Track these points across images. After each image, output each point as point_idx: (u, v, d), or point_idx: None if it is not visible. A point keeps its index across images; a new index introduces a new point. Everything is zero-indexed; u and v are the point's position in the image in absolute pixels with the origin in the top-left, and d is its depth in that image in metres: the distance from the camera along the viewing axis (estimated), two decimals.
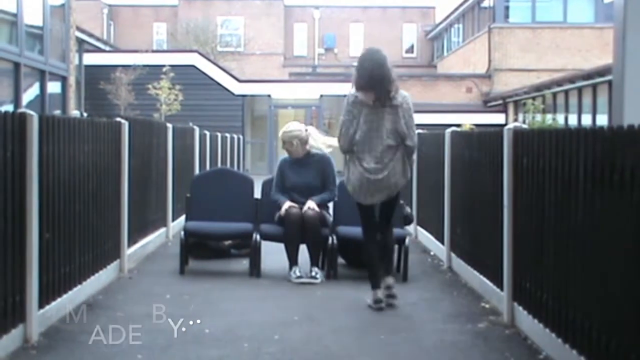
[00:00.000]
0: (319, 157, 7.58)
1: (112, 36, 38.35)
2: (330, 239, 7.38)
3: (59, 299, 5.53)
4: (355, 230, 7.38)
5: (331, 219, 7.51)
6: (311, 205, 7.24)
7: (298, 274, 7.15)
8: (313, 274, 7.16)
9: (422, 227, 9.79)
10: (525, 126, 5.98)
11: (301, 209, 7.23)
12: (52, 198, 5.35)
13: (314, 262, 7.27)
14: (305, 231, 7.20)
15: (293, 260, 7.27)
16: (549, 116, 18.42)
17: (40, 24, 14.55)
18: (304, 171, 7.49)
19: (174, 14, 38.43)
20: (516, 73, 27.42)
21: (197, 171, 12.06)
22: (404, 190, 6.95)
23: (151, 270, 7.68)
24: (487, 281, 6.43)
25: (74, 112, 15.57)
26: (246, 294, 6.67)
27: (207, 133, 14.24)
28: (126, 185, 7.45)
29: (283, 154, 7.86)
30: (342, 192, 7.53)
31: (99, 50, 26.72)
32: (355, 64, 6.26)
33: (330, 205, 7.64)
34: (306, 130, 7.62)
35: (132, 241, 7.80)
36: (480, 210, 6.82)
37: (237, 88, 26.72)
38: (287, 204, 7.26)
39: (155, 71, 23.51)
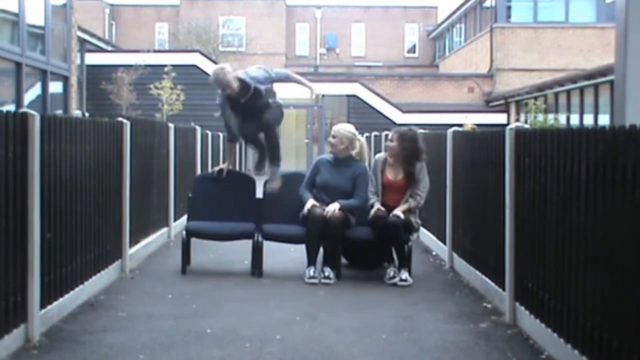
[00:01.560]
0: (358, 164, 7.64)
1: (113, 36, 38.37)
2: None
3: (60, 299, 5.54)
4: (358, 231, 7.41)
5: (354, 220, 7.48)
6: (335, 207, 7.22)
7: (311, 274, 7.16)
8: (326, 274, 7.15)
9: (424, 227, 9.78)
10: (527, 126, 5.97)
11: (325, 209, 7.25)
12: (53, 198, 5.36)
13: (328, 263, 7.27)
14: (326, 232, 7.20)
15: (311, 260, 7.27)
16: (550, 116, 18.37)
17: (42, 23, 14.56)
18: (339, 173, 7.51)
19: (176, 13, 38.44)
20: (518, 73, 27.41)
21: (199, 171, 12.07)
22: None
23: (153, 270, 7.68)
24: (489, 281, 6.43)
25: (76, 112, 15.58)
26: (248, 293, 6.68)
27: (209, 133, 14.24)
28: (128, 185, 7.46)
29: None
30: None
31: (101, 50, 26.71)
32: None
33: None
34: (359, 140, 7.69)
35: (134, 241, 7.81)
36: (482, 210, 6.82)
37: None
38: (310, 203, 7.30)
39: (157, 71, 23.49)
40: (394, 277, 7.15)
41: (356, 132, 7.71)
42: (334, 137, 7.59)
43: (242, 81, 7.39)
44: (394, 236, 7.19)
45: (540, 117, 17.72)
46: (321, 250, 7.38)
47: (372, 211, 7.30)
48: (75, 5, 17.03)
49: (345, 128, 7.68)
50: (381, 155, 7.73)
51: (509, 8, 28.48)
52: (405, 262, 7.24)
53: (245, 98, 7.45)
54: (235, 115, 7.55)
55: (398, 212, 7.21)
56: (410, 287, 7.01)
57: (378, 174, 7.55)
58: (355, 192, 7.47)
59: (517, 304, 5.59)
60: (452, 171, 8.12)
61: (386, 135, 14.32)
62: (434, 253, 8.91)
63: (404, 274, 7.14)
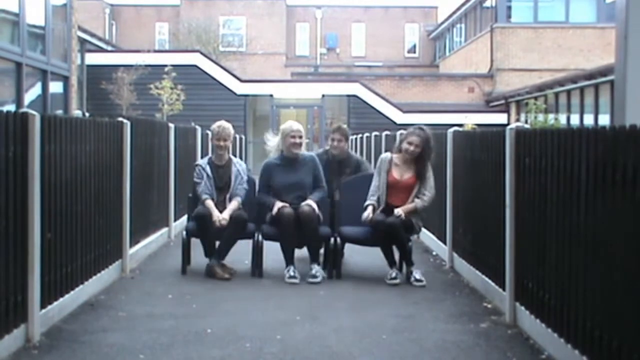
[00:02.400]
0: (309, 158, 7.66)
1: (114, 36, 38.39)
2: (332, 239, 7.39)
3: (61, 299, 5.54)
4: (358, 230, 7.41)
5: (322, 217, 7.47)
6: (310, 202, 7.27)
7: (291, 273, 7.15)
8: (313, 272, 7.16)
9: (424, 227, 9.77)
10: (527, 126, 5.98)
11: (295, 208, 7.24)
12: (54, 198, 5.36)
13: (313, 259, 7.28)
14: (302, 229, 7.21)
15: (289, 261, 7.28)
16: (551, 116, 18.37)
17: (42, 23, 14.57)
18: (294, 170, 7.49)
19: (176, 13, 38.45)
20: (518, 73, 27.41)
21: None
22: None
23: (153, 270, 7.69)
24: (490, 281, 6.43)
25: (76, 112, 15.57)
26: (248, 293, 6.68)
27: (209, 133, 14.20)
28: (128, 185, 7.46)
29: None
30: (347, 193, 7.56)
31: (101, 50, 26.74)
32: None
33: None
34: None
35: (134, 241, 7.81)
36: (483, 210, 6.82)
37: (239, 88, 26.71)
38: (278, 204, 7.29)
39: (157, 71, 23.51)
40: (395, 277, 7.14)
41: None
42: (301, 137, 7.53)
43: (229, 158, 7.76)
44: (394, 237, 7.18)
45: (541, 117, 17.70)
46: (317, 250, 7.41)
47: (366, 214, 7.23)
48: (76, 5, 17.03)
49: (297, 127, 7.59)
50: (387, 155, 7.61)
51: (509, 8, 28.48)
52: (409, 262, 7.26)
53: (222, 168, 7.67)
54: (208, 180, 7.59)
55: (400, 211, 7.18)
56: (412, 286, 7.02)
57: (383, 174, 7.46)
58: (317, 184, 7.52)
59: (517, 304, 5.59)
60: (452, 171, 8.12)
61: (386, 135, 14.32)
62: (434, 253, 8.91)
63: (418, 274, 7.17)
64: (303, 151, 7.70)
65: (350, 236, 7.51)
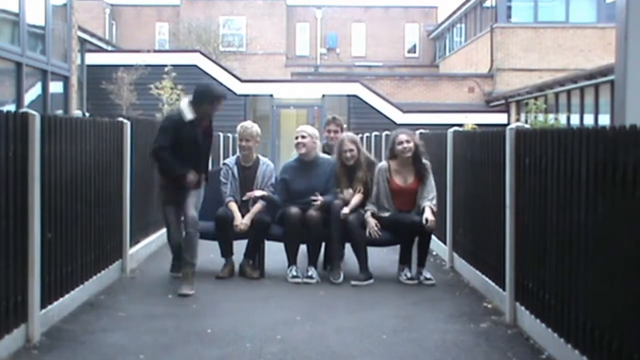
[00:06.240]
0: (327, 161, 7.63)
1: (114, 36, 38.37)
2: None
3: (61, 299, 5.54)
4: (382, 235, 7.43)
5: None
6: (319, 203, 7.25)
7: (294, 273, 7.20)
8: (309, 273, 7.19)
9: None
10: (527, 126, 5.98)
11: (304, 210, 7.24)
12: (54, 198, 5.36)
13: (311, 262, 7.30)
14: (307, 232, 7.22)
15: (292, 260, 7.30)
16: (551, 116, 18.36)
17: (42, 23, 14.54)
18: (310, 174, 7.51)
19: (176, 13, 38.43)
20: (518, 73, 27.39)
21: None
22: None
23: (153, 270, 7.69)
24: (490, 281, 6.43)
25: (76, 112, 15.54)
26: (248, 293, 6.68)
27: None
28: (128, 185, 7.46)
29: (286, 154, 7.90)
30: None
31: (101, 50, 26.71)
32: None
33: None
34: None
35: (134, 241, 7.81)
36: (483, 210, 6.82)
37: (239, 88, 26.69)
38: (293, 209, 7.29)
39: (157, 71, 23.46)
40: (413, 278, 7.22)
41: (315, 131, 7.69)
42: (303, 137, 7.50)
43: (257, 158, 7.68)
44: (425, 241, 7.29)
45: (541, 117, 17.69)
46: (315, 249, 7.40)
47: (373, 223, 7.22)
48: (76, 5, 17.01)
49: (309, 127, 7.65)
50: (383, 163, 7.56)
51: (509, 8, 28.45)
52: (423, 262, 7.33)
53: (248, 169, 7.62)
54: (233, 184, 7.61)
55: (431, 217, 7.09)
56: (413, 286, 7.04)
57: (384, 183, 7.38)
58: (329, 188, 7.46)
59: (518, 304, 5.59)
60: (453, 171, 8.12)
61: (386, 136, 14.30)
62: (434, 253, 8.91)
63: (427, 273, 7.26)
64: (321, 154, 7.73)
65: (376, 241, 7.48)
